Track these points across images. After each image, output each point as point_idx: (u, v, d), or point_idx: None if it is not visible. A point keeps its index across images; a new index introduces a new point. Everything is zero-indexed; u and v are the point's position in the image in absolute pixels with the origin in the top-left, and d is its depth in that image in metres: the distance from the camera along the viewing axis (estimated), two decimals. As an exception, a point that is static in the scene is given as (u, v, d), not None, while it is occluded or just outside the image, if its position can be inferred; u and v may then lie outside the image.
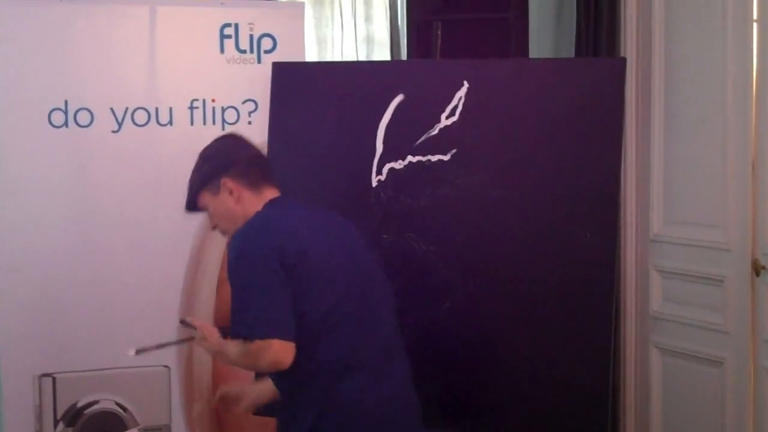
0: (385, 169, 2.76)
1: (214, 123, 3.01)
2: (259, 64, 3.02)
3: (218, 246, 2.99)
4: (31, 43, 2.85)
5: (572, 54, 3.25)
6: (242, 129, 2.92)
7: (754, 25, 2.77)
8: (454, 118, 2.70)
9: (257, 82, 2.98)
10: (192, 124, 3.00)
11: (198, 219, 2.92)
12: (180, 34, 2.98)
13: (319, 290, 2.07)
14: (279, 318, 2.03)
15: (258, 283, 2.04)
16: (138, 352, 2.21)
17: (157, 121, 2.99)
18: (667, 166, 3.09)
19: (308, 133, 2.82)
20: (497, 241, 2.59)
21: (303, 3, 3.14)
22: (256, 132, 2.93)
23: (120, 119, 2.96)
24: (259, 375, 2.35)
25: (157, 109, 2.98)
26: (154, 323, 2.86)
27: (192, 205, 2.25)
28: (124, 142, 2.95)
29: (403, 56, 3.62)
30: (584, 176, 2.58)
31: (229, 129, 2.98)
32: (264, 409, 2.28)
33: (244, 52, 3.03)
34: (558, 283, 2.58)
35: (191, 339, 2.24)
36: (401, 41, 3.62)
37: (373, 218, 2.71)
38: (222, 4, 2.99)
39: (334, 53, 3.65)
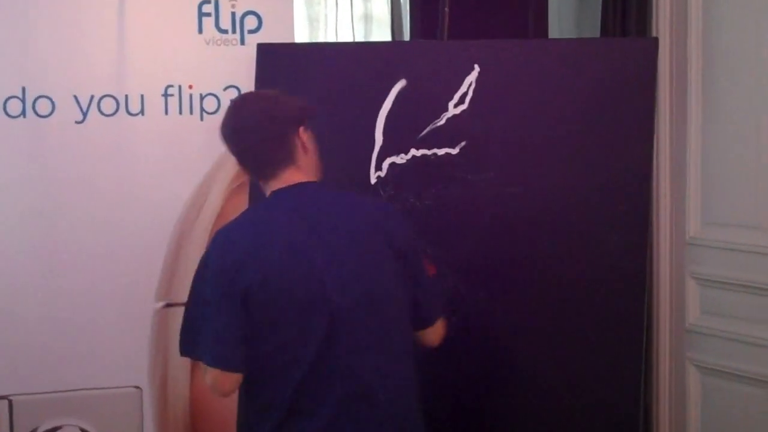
0: (385, 164, 2.76)
1: (191, 112, 3.00)
2: (243, 46, 3.01)
3: (197, 252, 2.91)
4: (-19, 23, 2.86)
5: (597, 35, 3.23)
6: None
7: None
8: (464, 107, 2.70)
9: (240, 66, 2.97)
10: (166, 113, 2.99)
11: (174, 217, 2.97)
12: (152, 12, 2.97)
13: (272, 326, 2.08)
14: (219, 346, 2.08)
15: (208, 302, 2.09)
16: (168, 305, 2.22)
17: (127, 111, 2.98)
18: (705, 159, 3.07)
19: (298, 124, 2.80)
20: (513, 246, 2.59)
21: (292, -24, 3.14)
22: None
23: (84, 108, 2.95)
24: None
25: (126, 97, 2.97)
26: (125, 339, 2.88)
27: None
28: (89, 133, 2.94)
29: (406, 37, 3.59)
30: (611, 172, 2.58)
31: (208, 119, 2.99)
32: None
33: (225, 32, 3.02)
34: (582, 292, 2.59)
35: None
36: (403, 20, 3.60)
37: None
38: (200, -24, 3.01)
39: (328, 33, 3.62)
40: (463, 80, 2.70)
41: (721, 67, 3.03)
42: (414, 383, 2.18)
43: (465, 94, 2.70)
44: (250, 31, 3.02)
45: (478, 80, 2.69)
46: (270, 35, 3.00)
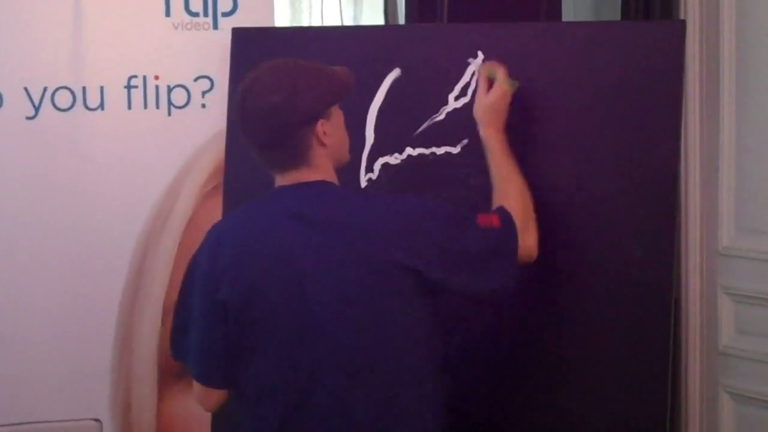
0: (377, 165, 2.73)
1: (157, 107, 3.02)
2: (216, 31, 3.04)
3: (165, 260, 3.04)
4: None
5: (617, 18, 3.25)
6: (193, 114, 3.03)
7: None
8: (466, 99, 2.65)
9: (213, 54, 3.01)
10: (129, 107, 3.02)
11: (138, 226, 3.01)
12: (113, -6, 3.02)
13: (254, 347, 2.09)
14: (202, 359, 2.15)
15: (194, 307, 2.14)
16: None
17: (85, 105, 3.00)
18: (740, 158, 3.08)
19: (278, 119, 2.81)
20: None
21: (271, -48, 3.18)
22: (212, 117, 3.00)
23: (36, 102, 2.97)
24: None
25: (84, 90, 2.99)
26: (83, 364, 2.93)
27: None
28: (42, 130, 2.97)
29: (401, 20, 3.61)
30: (633, 173, 2.54)
31: (176, 114, 3.03)
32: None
33: (195, 15, 3.04)
34: (600, 310, 2.55)
35: None
36: (398, 1, 3.62)
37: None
38: (167, -48, 3.05)
39: (312, 17, 3.65)
40: (465, 69, 2.66)
41: (758, 53, 3.02)
42: (425, 413, 2.15)
43: (467, 85, 2.65)
44: (224, 14, 3.04)
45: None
46: (247, 18, 3.02)
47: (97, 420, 2.98)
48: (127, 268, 3.01)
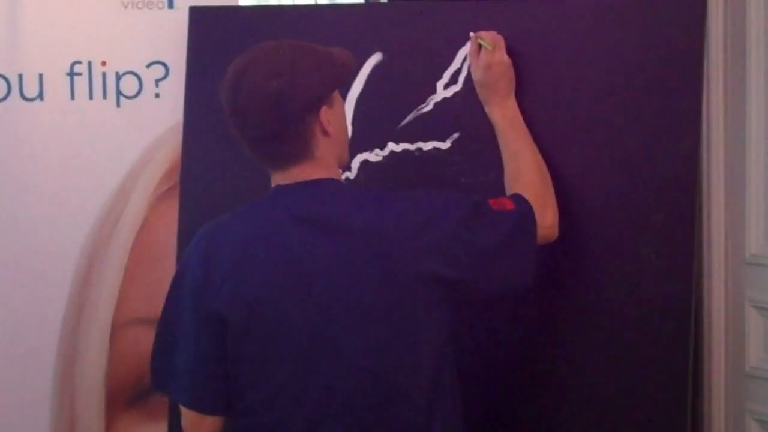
0: (355, 163, 2.72)
1: (104, 96, 3.01)
2: (171, 10, 3.04)
3: (114, 271, 3.04)
4: None
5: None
6: (146, 105, 3.02)
7: None
8: (457, 88, 2.66)
9: (168, 37, 3.01)
10: (72, 98, 3.01)
11: (82, 233, 3.01)
12: (54, -32, 3.01)
13: (263, 367, 2.10)
14: (195, 383, 2.15)
15: (182, 324, 2.15)
16: None
17: (21, 94, 2.99)
18: (769, 155, 3.05)
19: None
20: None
21: None
22: (167, 108, 3.00)
23: None
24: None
25: (20, 77, 2.99)
26: (19, 391, 2.93)
27: None
28: None
29: (383, -2, 3.60)
30: (647, 172, 2.53)
31: (126, 105, 3.02)
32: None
33: (148, -9, 3.04)
34: (611, 327, 2.55)
35: None
36: (379, -24, 3.61)
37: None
38: None
39: (282, -6, 3.66)
40: (455, 53, 2.66)
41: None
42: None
43: (458, 72, 2.65)
44: (182, -9, 3.03)
45: (475, 53, 2.69)
46: (207, -5, 3.02)
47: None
48: (70, 282, 3.01)
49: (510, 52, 2.57)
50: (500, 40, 2.52)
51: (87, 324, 3.02)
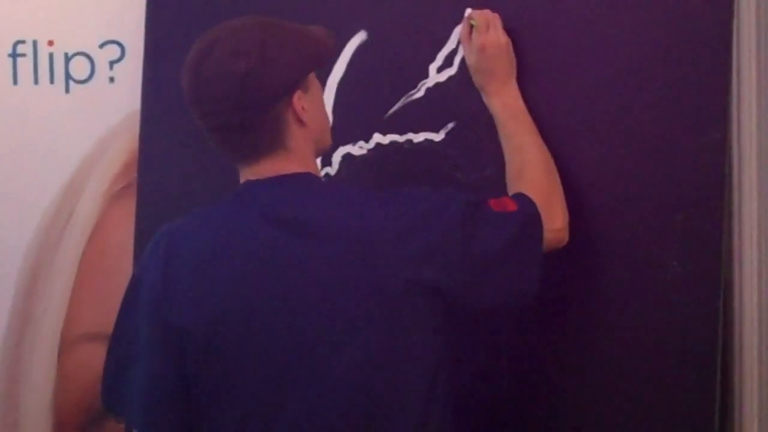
0: (336, 157, 2.73)
1: (51, 81, 3.04)
2: None
3: (63, 280, 3.06)
4: None
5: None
6: (99, 90, 3.06)
7: None
8: (451, 71, 2.65)
9: (124, 13, 3.03)
10: (15, 82, 3.06)
11: (27, 236, 3.06)
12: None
13: (230, 388, 2.09)
14: (149, 403, 2.14)
15: (138, 338, 2.15)
16: None
17: None
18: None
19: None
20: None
21: None
22: (122, 94, 3.04)
23: None
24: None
25: None
26: None
27: None
28: None
29: (369, -31, 3.62)
30: (668, 167, 2.52)
31: (77, 90, 3.04)
32: None
33: (101, -39, 3.05)
34: (628, 344, 2.55)
35: None
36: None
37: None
38: None
39: (255, -36, 3.64)
40: (450, 32, 2.65)
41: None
42: None
43: (453, 53, 2.64)
44: (138, -39, 3.02)
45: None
46: (167, -33, 2.98)
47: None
48: (12, 292, 3.03)
49: (511, 32, 2.57)
50: (495, 19, 2.51)
51: (32, 340, 3.04)
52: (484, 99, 2.50)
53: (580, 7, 2.60)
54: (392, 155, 2.69)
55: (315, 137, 2.19)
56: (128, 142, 2.99)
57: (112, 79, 3.04)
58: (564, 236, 2.36)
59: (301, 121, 2.14)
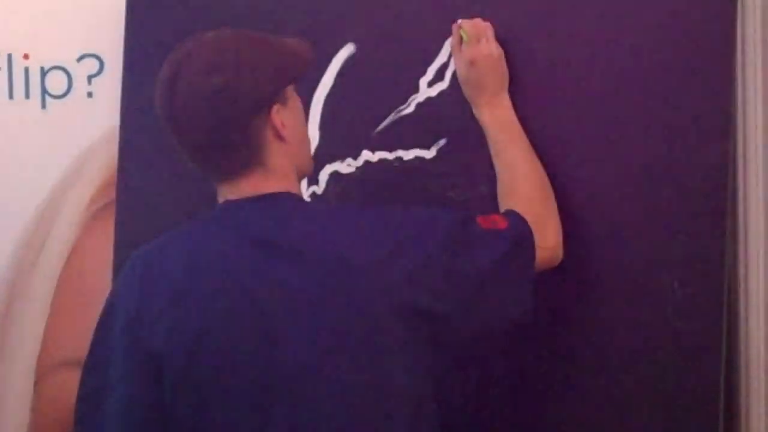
0: (323, 175, 2.73)
1: (27, 96, 3.03)
2: None
3: (39, 304, 3.04)
4: None
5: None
6: (76, 105, 3.03)
7: None
8: (443, 85, 2.65)
9: (102, 25, 3.01)
10: None
11: (2, 256, 3.03)
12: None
13: (208, 417, 2.08)
14: (127, 429, 2.13)
15: (112, 365, 2.14)
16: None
17: None
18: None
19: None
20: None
21: None
22: (101, 109, 3.02)
23: None
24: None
25: None
26: None
27: None
28: None
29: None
30: (668, 183, 2.53)
31: (53, 106, 3.03)
32: None
33: (79, -29, 3.04)
34: (628, 370, 2.54)
35: None
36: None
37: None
38: None
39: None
40: (441, 45, 2.65)
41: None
42: None
43: (445, 67, 2.65)
44: (117, -29, 3.01)
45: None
46: (147, -23, 2.98)
47: None
48: None
49: (505, 42, 2.56)
50: (487, 29, 2.51)
51: (6, 368, 3.02)
52: (474, 112, 2.51)
53: (578, 18, 2.61)
54: (382, 173, 2.69)
55: (295, 154, 2.19)
56: (107, 159, 2.98)
57: (90, 94, 3.04)
58: (558, 254, 2.35)
59: (280, 137, 2.13)
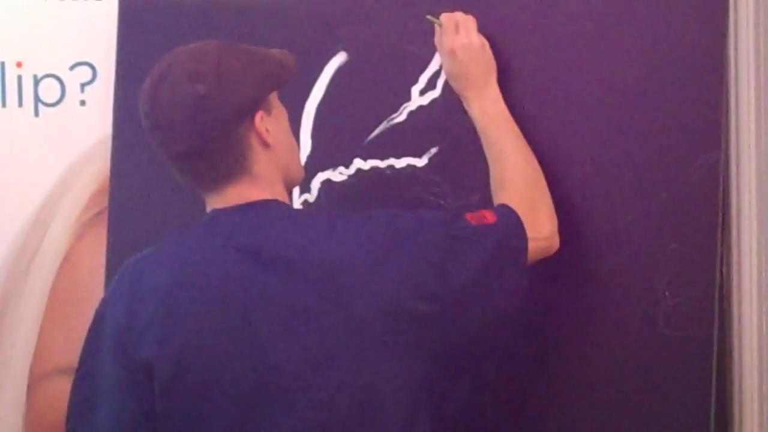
0: (315, 183, 2.74)
1: (20, 103, 3.03)
2: (99, 2, 3.03)
3: (31, 314, 3.04)
4: None
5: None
6: (69, 113, 3.03)
7: None
8: (435, 94, 2.66)
9: (95, 33, 3.01)
10: None
11: None
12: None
13: (195, 422, 2.10)
14: None
15: (103, 374, 2.15)
16: None
17: None
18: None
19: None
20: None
21: None
22: (94, 117, 3.01)
23: None
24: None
25: None
26: None
27: None
28: None
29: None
30: (660, 191, 2.53)
31: (46, 114, 3.03)
32: None
33: (73, -20, 3.04)
34: (618, 383, 2.54)
35: None
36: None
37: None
38: None
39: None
40: (433, 53, 2.64)
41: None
42: None
43: (437, 75, 2.65)
44: (111, -21, 3.01)
45: (456, 52, 2.71)
46: (141, -15, 2.99)
47: None
48: None
49: (495, 44, 2.56)
50: (468, 21, 2.50)
51: (0, 378, 3.02)
52: (464, 105, 2.50)
53: (572, 23, 2.60)
54: (373, 181, 2.69)
55: (281, 161, 2.19)
56: (100, 167, 2.98)
57: (83, 102, 3.04)
58: (554, 243, 2.35)
59: (265, 144, 2.14)
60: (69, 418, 2.21)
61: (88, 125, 3.02)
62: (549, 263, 2.48)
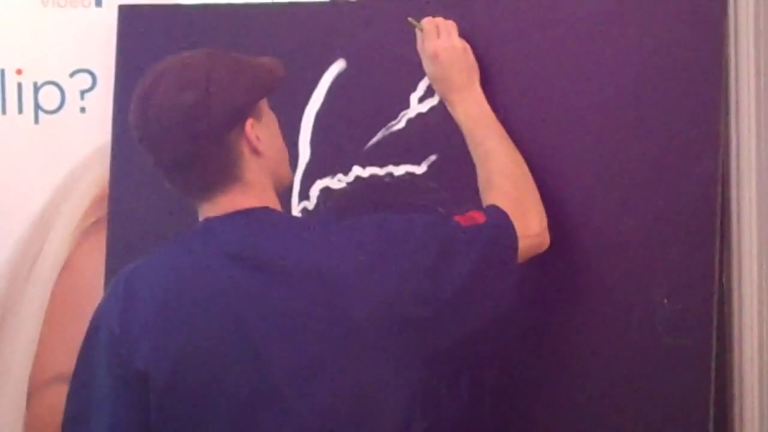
0: (314, 190, 2.75)
1: (20, 110, 3.04)
2: (99, 9, 3.04)
3: (31, 322, 3.04)
4: None
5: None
6: (69, 120, 3.04)
7: None
8: (433, 101, 2.65)
9: (95, 40, 3.01)
10: None
11: None
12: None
13: (190, 430, 2.11)
14: None
15: (98, 384, 2.15)
16: None
17: None
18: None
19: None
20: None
21: None
22: (93, 124, 3.02)
23: None
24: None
25: None
26: None
27: None
28: None
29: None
30: (659, 202, 2.53)
31: (46, 121, 3.04)
32: None
33: (72, -12, 3.04)
34: (616, 389, 2.54)
35: None
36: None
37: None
38: None
39: (230, -10, 3.65)
40: None
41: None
42: None
43: None
44: (111, -13, 3.03)
45: (456, 59, 2.73)
46: (140, -8, 3.01)
47: None
48: None
49: (489, 48, 2.57)
50: (449, 25, 2.52)
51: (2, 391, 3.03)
52: (449, 108, 2.52)
53: (570, 26, 2.60)
54: (372, 188, 2.70)
55: (272, 168, 2.20)
56: (100, 174, 2.97)
57: (83, 109, 3.04)
58: (544, 240, 2.37)
59: (256, 151, 2.15)
60: (64, 427, 2.21)
61: (87, 132, 3.02)
62: (548, 270, 2.50)
